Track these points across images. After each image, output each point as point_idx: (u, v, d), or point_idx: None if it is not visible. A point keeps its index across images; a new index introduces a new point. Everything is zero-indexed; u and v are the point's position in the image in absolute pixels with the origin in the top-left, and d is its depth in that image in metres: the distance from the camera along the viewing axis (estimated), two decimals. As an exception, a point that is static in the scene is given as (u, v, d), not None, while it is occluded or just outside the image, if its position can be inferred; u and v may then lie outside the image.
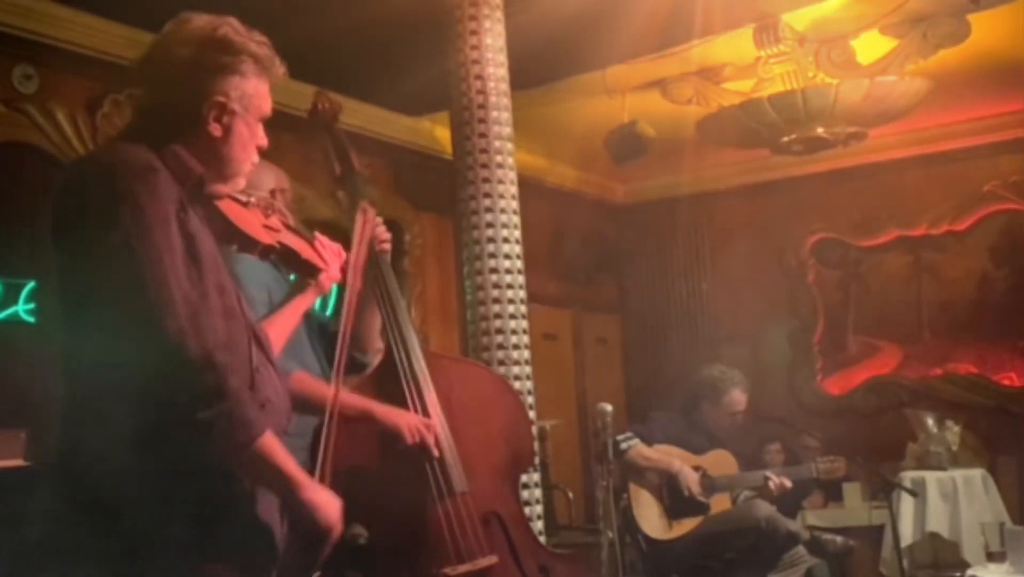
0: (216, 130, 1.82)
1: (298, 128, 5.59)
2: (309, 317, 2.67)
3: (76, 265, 1.72)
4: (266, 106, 1.90)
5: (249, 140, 1.87)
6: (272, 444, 1.71)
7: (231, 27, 1.84)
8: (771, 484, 4.92)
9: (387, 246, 2.86)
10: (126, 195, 1.68)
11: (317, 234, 2.32)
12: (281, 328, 2.11)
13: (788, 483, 4.97)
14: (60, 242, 1.75)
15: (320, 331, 2.88)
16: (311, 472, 2.35)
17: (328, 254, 2.24)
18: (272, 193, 2.83)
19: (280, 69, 1.90)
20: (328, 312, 2.97)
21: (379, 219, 2.83)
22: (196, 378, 1.62)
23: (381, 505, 2.64)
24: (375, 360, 2.91)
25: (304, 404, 2.65)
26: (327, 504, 1.77)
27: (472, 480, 2.71)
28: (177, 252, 1.70)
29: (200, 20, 1.84)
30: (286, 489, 1.74)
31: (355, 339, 2.92)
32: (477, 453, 2.76)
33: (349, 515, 2.65)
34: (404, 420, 2.63)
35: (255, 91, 1.86)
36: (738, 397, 5.09)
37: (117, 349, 1.66)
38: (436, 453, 2.66)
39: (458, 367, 3.03)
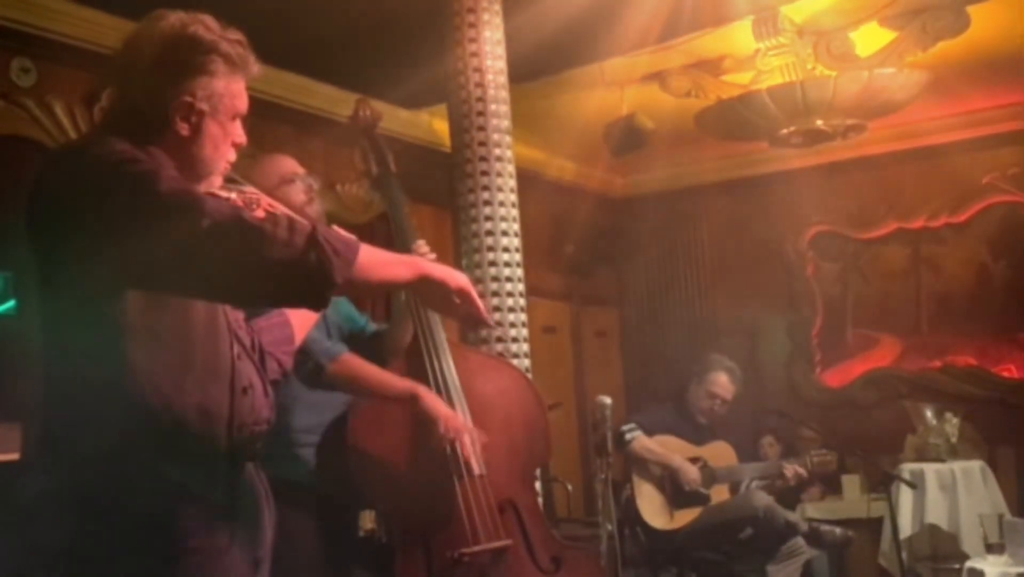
0: (184, 130, 1.80)
1: (297, 121, 5.59)
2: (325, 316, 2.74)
3: (73, 238, 1.70)
4: (240, 104, 1.87)
5: (222, 139, 1.85)
6: (369, 249, 1.71)
7: (202, 25, 1.82)
8: (787, 472, 4.93)
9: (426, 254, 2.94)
10: (113, 155, 1.68)
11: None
12: (302, 319, 2.10)
13: (804, 472, 4.98)
14: (45, 224, 1.75)
15: (352, 337, 2.98)
16: (321, 470, 2.36)
17: None
18: (290, 179, 2.89)
19: (255, 67, 1.88)
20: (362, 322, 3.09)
21: (429, 249, 2.92)
22: (279, 233, 1.60)
23: (400, 484, 2.68)
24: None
25: (351, 384, 2.69)
26: (450, 270, 1.82)
27: (489, 469, 2.76)
28: (183, 179, 1.70)
29: (171, 18, 1.82)
30: (414, 275, 1.75)
31: (382, 349, 2.98)
32: (495, 443, 2.81)
33: (367, 496, 2.68)
34: (444, 411, 2.70)
35: (226, 90, 1.83)
36: (723, 380, 5.09)
37: (165, 281, 1.65)
38: (462, 452, 2.72)
39: (481, 359, 3.10)
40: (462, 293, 1.80)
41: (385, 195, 3.17)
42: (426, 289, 1.78)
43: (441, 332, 2.90)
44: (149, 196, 1.62)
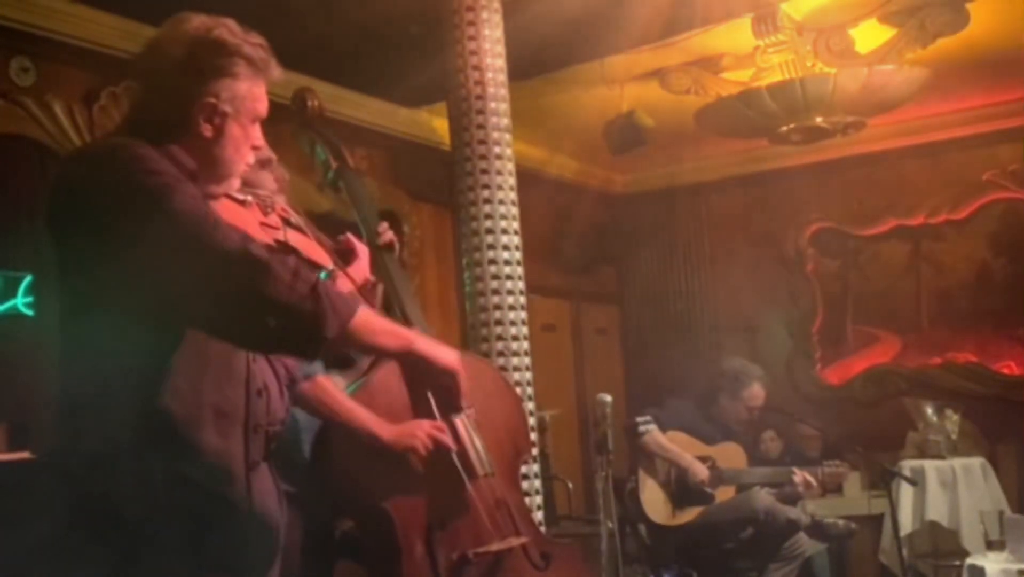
0: (207, 131, 1.81)
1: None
2: None
3: (90, 245, 1.70)
4: (261, 108, 1.89)
5: (243, 141, 1.87)
6: (369, 311, 1.74)
7: (226, 28, 1.83)
8: (797, 479, 4.91)
9: (389, 236, 2.78)
10: (133, 163, 1.68)
11: (348, 235, 2.35)
12: None
13: (814, 482, 4.96)
14: (64, 227, 1.75)
15: None
16: (314, 465, 2.34)
17: (353, 250, 2.27)
18: (267, 161, 2.77)
19: (277, 71, 1.89)
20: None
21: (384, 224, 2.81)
22: (283, 275, 1.61)
23: (403, 483, 2.65)
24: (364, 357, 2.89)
25: (318, 410, 2.65)
26: (440, 348, 1.85)
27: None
28: (199, 194, 1.70)
29: (195, 21, 1.83)
30: (401, 347, 1.79)
31: None
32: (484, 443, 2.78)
33: (367, 496, 2.64)
34: (413, 439, 2.61)
35: (248, 93, 1.85)
36: (757, 391, 5.08)
37: (168, 301, 1.64)
38: (455, 448, 2.65)
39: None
40: (448, 372, 1.85)
41: (347, 189, 2.92)
42: (412, 362, 1.82)
43: (421, 318, 2.84)
44: (161, 212, 1.63)
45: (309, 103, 2.94)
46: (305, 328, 1.63)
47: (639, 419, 4.84)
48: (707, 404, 5.13)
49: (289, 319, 1.62)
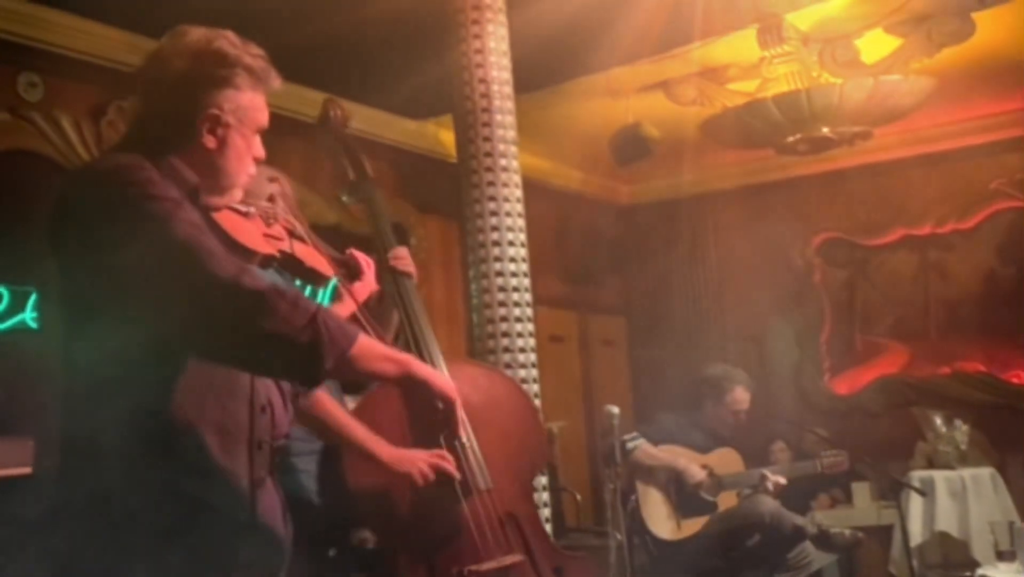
0: (210, 142, 1.82)
1: (303, 133, 5.59)
2: None
3: (89, 264, 1.70)
4: (262, 118, 1.90)
5: (245, 152, 1.87)
6: (367, 339, 1.74)
7: (226, 40, 1.84)
8: (768, 484, 4.89)
9: (409, 269, 2.79)
10: (133, 187, 1.68)
11: (354, 250, 2.34)
12: None
13: (783, 481, 4.93)
14: (65, 245, 1.75)
15: None
16: (321, 484, 2.32)
17: (359, 264, 2.27)
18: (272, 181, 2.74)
19: (276, 81, 1.90)
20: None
21: (410, 259, 2.80)
22: (280, 307, 1.60)
23: (403, 499, 2.64)
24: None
25: (319, 428, 2.63)
26: (435, 374, 1.87)
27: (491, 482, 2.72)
28: (199, 221, 1.70)
29: (196, 33, 1.84)
30: (400, 373, 1.79)
31: None
32: (494, 455, 2.77)
33: (368, 511, 2.63)
34: (413, 466, 2.60)
35: (250, 103, 1.86)
36: (741, 395, 5.09)
37: (163, 327, 1.64)
38: (458, 477, 2.64)
39: (472, 370, 3.04)
40: (444, 399, 1.85)
41: (364, 201, 2.97)
42: (410, 387, 1.82)
43: (434, 340, 2.83)
44: (158, 239, 1.63)
45: (331, 113, 2.94)
46: (303, 359, 1.63)
47: (626, 437, 4.83)
48: (693, 412, 5.14)
49: (286, 350, 1.62)
